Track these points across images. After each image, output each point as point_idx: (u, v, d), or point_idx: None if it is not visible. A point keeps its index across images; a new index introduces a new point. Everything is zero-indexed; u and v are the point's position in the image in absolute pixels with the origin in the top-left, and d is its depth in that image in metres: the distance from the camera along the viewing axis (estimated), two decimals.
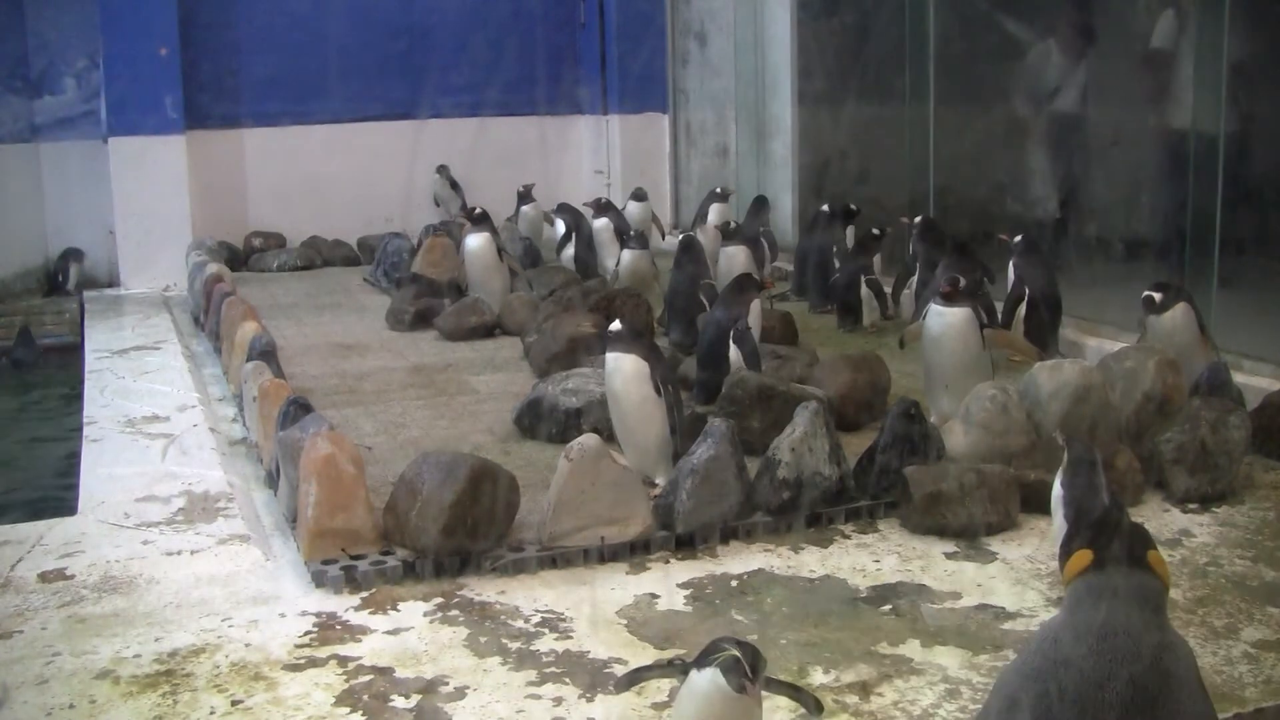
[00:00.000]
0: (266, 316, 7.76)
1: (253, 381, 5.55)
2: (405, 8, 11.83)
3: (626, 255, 8.23)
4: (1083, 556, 2.25)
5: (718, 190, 9.92)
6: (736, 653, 2.56)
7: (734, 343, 5.75)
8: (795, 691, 2.78)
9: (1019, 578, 4.01)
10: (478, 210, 8.37)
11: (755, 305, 5.98)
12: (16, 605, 3.88)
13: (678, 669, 2.70)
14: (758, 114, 10.67)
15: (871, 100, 9.53)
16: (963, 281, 5.48)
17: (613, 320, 4.94)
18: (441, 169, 11.77)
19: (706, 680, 2.58)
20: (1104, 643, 2.13)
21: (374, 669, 3.43)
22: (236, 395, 6.26)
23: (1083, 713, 2.10)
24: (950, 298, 5.35)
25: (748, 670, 2.53)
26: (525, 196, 10.49)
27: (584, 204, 9.76)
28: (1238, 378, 5.37)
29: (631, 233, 8.78)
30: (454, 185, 11.80)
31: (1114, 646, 2.12)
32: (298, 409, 4.88)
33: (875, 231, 7.96)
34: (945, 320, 5.35)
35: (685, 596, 3.91)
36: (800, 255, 8.76)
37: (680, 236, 7.68)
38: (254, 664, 3.48)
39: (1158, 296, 5.52)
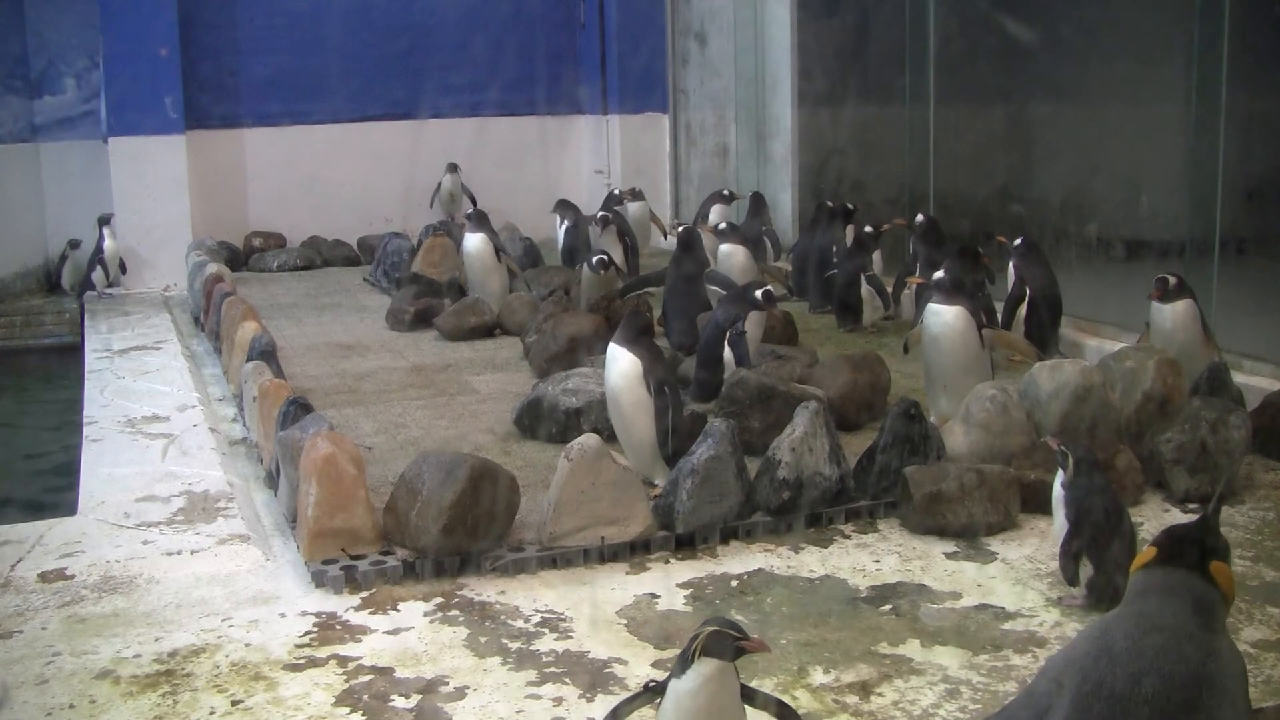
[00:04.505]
0: (266, 316, 7.77)
1: (253, 381, 5.55)
2: (405, 8, 11.84)
3: (586, 274, 7.80)
4: (1148, 551, 2.27)
5: (724, 192, 9.87)
6: (710, 628, 2.58)
7: (728, 344, 5.75)
8: (781, 708, 2.77)
9: (1019, 578, 4.01)
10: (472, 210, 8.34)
11: (757, 314, 5.97)
12: (16, 605, 3.88)
13: (655, 691, 2.69)
14: (758, 114, 10.67)
15: (871, 100, 9.53)
16: (936, 275, 5.47)
17: (613, 321, 4.94)
18: (454, 167, 11.72)
19: (692, 674, 2.57)
20: (1145, 638, 2.12)
21: (374, 669, 3.43)
22: (236, 395, 6.26)
23: (1115, 703, 2.09)
24: (940, 289, 5.35)
25: (729, 634, 2.57)
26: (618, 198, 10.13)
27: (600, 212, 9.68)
28: (1238, 378, 5.37)
29: (580, 254, 8.35)
30: (462, 185, 11.79)
31: (1153, 643, 2.11)
32: (298, 409, 4.88)
33: (870, 229, 7.96)
34: (944, 320, 5.35)
35: (685, 596, 3.91)
36: (800, 255, 8.76)
37: (680, 230, 7.61)
38: (254, 664, 3.48)
39: (1171, 281, 5.56)
